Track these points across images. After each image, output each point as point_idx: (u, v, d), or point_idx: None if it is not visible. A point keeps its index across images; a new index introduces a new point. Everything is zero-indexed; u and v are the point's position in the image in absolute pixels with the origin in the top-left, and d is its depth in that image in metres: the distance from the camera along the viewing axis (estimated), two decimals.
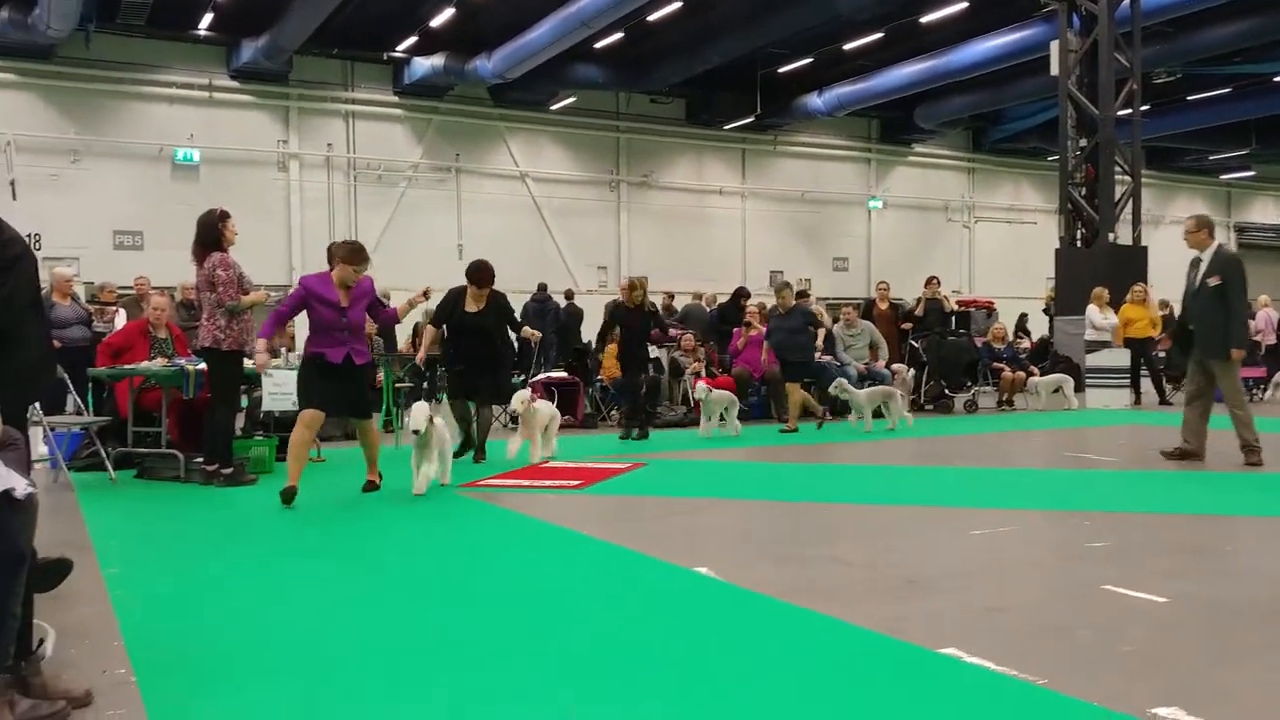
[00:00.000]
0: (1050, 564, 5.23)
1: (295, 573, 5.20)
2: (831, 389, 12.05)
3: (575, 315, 19.24)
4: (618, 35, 21.20)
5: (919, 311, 16.05)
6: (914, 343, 15.19)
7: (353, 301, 7.36)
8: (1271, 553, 5.48)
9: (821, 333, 12.28)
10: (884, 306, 16.15)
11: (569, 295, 20.05)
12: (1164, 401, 15.43)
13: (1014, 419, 13.74)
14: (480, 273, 9.33)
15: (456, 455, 8.84)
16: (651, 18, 20.35)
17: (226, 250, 8.16)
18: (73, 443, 9.13)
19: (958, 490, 7.72)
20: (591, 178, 25.89)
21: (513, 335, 9.82)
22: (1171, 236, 31.75)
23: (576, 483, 7.99)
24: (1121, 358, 15.31)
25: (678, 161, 26.95)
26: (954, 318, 17.13)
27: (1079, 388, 15.43)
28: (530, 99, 24.24)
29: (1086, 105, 18.31)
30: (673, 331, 15.86)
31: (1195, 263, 8.86)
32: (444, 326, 9.58)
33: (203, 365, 8.36)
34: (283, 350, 10.11)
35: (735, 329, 14.99)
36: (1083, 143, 18.60)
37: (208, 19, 20.54)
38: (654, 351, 14.60)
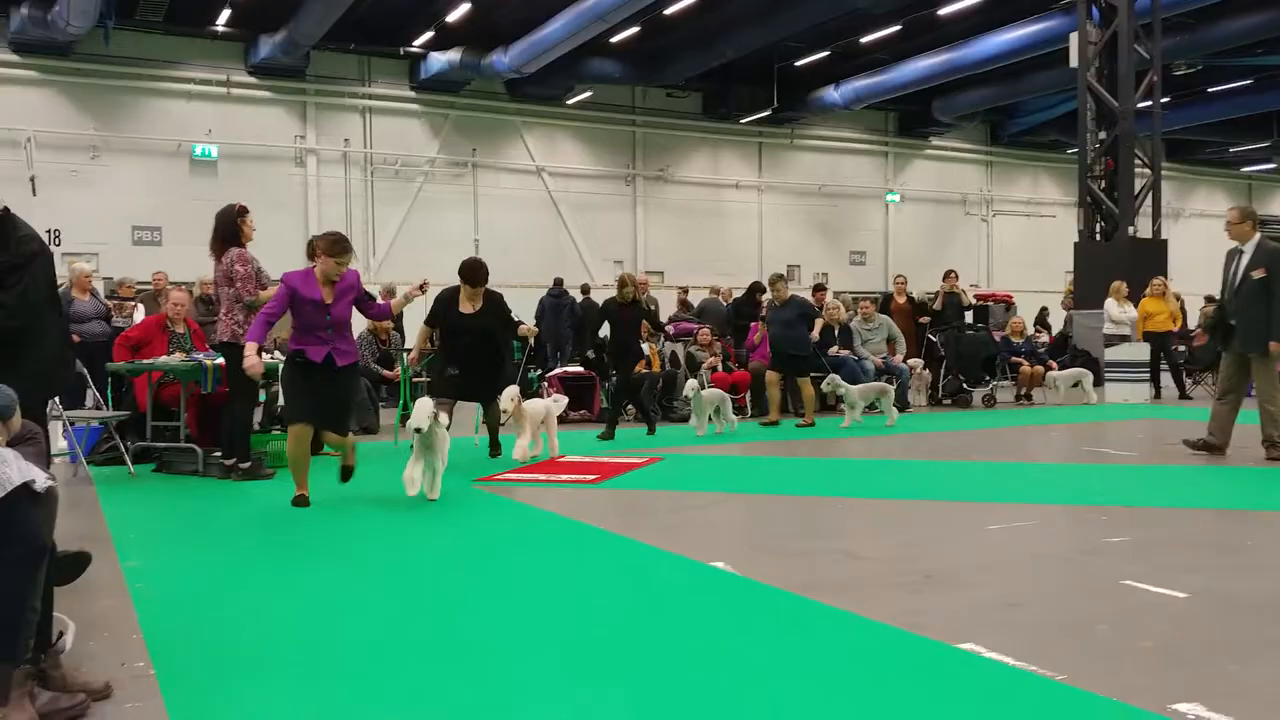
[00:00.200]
0: (1069, 559, 5.20)
1: (313, 566, 5.21)
2: (824, 385, 11.90)
3: (591, 310, 19.22)
4: (634, 29, 21.17)
5: (937, 305, 15.99)
6: (932, 337, 15.14)
7: (337, 297, 6.93)
8: None
9: (819, 324, 12.11)
10: (902, 300, 16.09)
11: (585, 290, 20.04)
12: (1184, 396, 15.34)
13: (1032, 413, 13.69)
14: (474, 271, 8.94)
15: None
16: (668, 11, 20.30)
17: (245, 245, 8.20)
18: (92, 437, 9.20)
19: (975, 485, 7.69)
20: (608, 172, 25.87)
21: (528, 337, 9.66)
22: (1192, 230, 31.72)
23: (593, 477, 7.99)
24: (1141, 352, 15.22)
25: (694, 155, 26.90)
26: (972, 312, 17.07)
27: (1098, 382, 15.35)
28: (546, 94, 24.22)
29: (1106, 97, 18.17)
30: (689, 326, 15.87)
31: (1233, 255, 8.71)
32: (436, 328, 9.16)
33: (221, 360, 8.40)
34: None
35: (752, 323, 14.97)
36: (1102, 135, 18.47)
37: (225, 15, 20.61)
38: (663, 349, 14.61)
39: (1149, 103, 18.58)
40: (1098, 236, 18.56)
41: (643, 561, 5.15)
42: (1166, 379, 15.58)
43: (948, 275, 16.44)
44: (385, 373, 12.29)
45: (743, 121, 26.73)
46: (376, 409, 12.14)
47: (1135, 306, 15.57)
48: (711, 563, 4.93)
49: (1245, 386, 8.71)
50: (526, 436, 8.80)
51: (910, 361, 14.63)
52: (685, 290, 20.02)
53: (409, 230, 23.28)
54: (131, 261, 18.79)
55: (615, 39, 21.58)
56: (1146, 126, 18.72)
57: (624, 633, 3.88)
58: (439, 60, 22.33)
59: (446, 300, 9.01)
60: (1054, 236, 28.59)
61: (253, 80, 22.11)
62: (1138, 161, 18.42)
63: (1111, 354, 15.49)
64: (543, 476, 8.10)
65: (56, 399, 7.65)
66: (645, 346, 12.51)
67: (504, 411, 8.63)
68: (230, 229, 8.18)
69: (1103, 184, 18.51)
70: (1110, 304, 15.65)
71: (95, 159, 20.75)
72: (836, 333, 14.02)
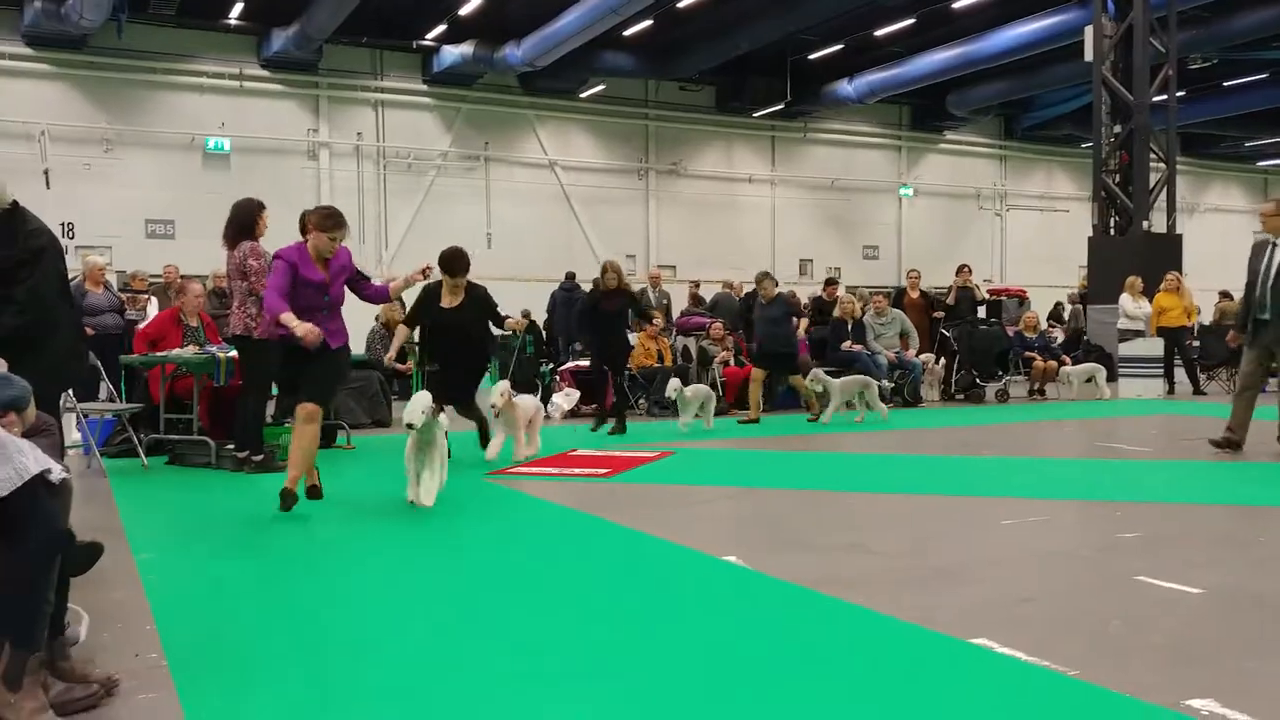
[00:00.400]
0: (1082, 554, 5.18)
1: (325, 558, 5.23)
2: (808, 381, 11.79)
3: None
4: (647, 22, 21.16)
5: (950, 300, 15.93)
6: (945, 332, 15.10)
7: (333, 277, 6.52)
8: None
9: (803, 323, 11.99)
10: (915, 295, 16.03)
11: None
12: (1198, 391, 15.26)
13: (1045, 408, 13.64)
14: (452, 261, 8.38)
15: None
16: (681, 4, 20.30)
17: (258, 240, 8.22)
18: (106, 429, 9.25)
19: (987, 480, 7.67)
20: (620, 166, 25.86)
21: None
22: (1207, 225, 31.57)
23: (605, 470, 7.99)
24: (1155, 347, 15.15)
25: (707, 149, 26.87)
26: (985, 306, 17.01)
27: (1111, 377, 15.29)
28: (559, 87, 24.22)
29: (1121, 91, 18.09)
30: (701, 320, 15.85)
31: (1261, 248, 8.57)
32: (418, 328, 8.72)
33: (234, 353, 8.42)
34: None
35: None
36: (1117, 129, 18.39)
37: (238, 8, 20.68)
38: (675, 343, 14.55)
39: (1164, 96, 18.48)
40: (1112, 231, 18.49)
41: (655, 556, 5.15)
42: (1180, 374, 15.50)
43: (961, 270, 16.39)
44: (398, 366, 12.30)
45: (756, 115, 26.68)
46: (389, 402, 12.16)
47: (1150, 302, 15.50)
48: (724, 557, 4.92)
49: (1263, 382, 8.62)
50: (520, 436, 8.37)
51: (923, 356, 14.59)
52: (697, 284, 20.02)
53: (421, 224, 23.31)
54: (144, 254, 18.88)
55: (628, 32, 21.56)
56: (1162, 120, 18.61)
57: (637, 627, 3.88)
58: (451, 54, 22.34)
59: (428, 296, 8.52)
60: (1068, 231, 28.50)
61: (265, 74, 22.18)
62: (1153, 156, 18.33)
63: (1125, 349, 15.42)
64: (554, 470, 8.09)
65: (70, 391, 7.69)
66: (634, 338, 12.14)
67: (493, 405, 8.13)
68: (248, 221, 8.20)
69: (1117, 178, 18.43)
70: (1125, 299, 15.57)
71: (109, 152, 20.84)
72: (850, 328, 13.99)
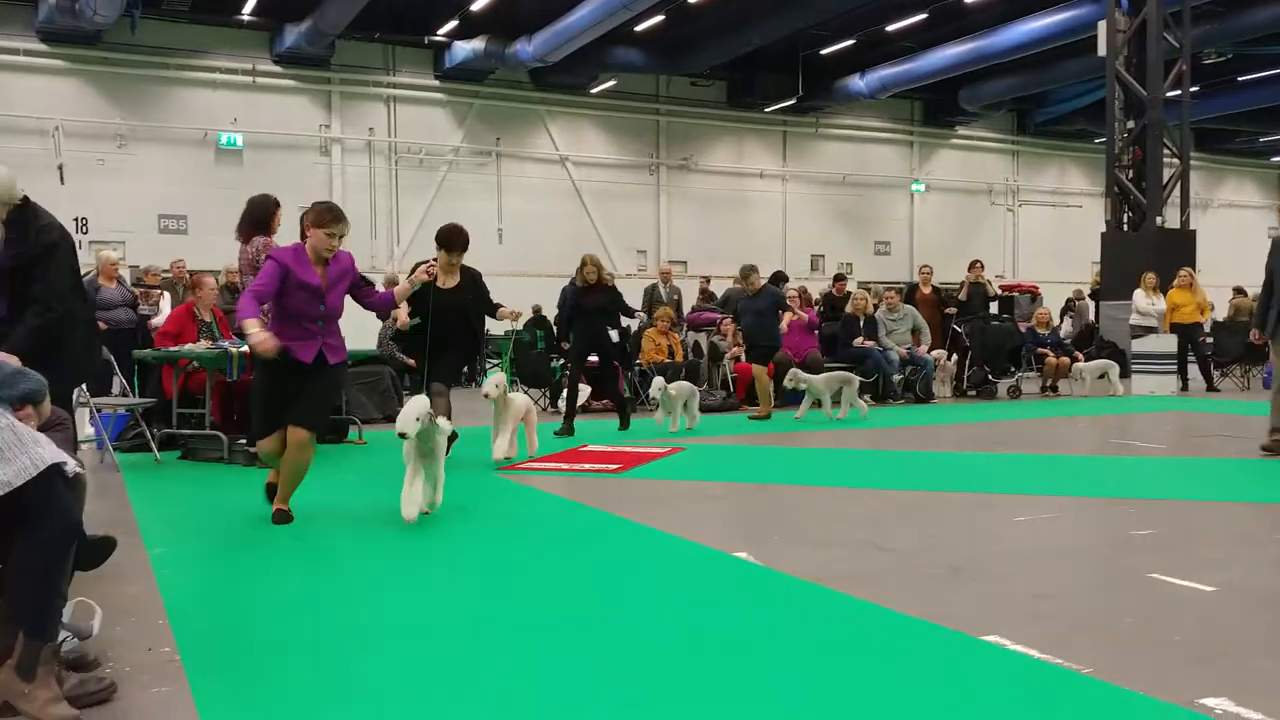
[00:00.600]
0: (1095, 551, 5.16)
1: (337, 553, 5.23)
2: (786, 381, 11.69)
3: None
4: (658, 18, 21.11)
5: (962, 296, 15.90)
6: (957, 328, 15.06)
7: (331, 283, 5.80)
8: None
9: (787, 317, 11.90)
10: (927, 291, 16.00)
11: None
12: (1211, 388, 15.20)
13: (1058, 405, 13.60)
14: (452, 236, 8.09)
15: None
16: (692, 0, 20.24)
17: (271, 236, 8.25)
18: (119, 424, 9.29)
19: (1000, 476, 7.64)
20: (631, 161, 25.84)
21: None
22: (1221, 220, 31.41)
23: (615, 467, 8.00)
24: (1168, 343, 15.09)
25: (718, 144, 26.82)
26: (997, 302, 16.96)
27: (1124, 374, 15.24)
28: (570, 82, 24.21)
29: (1134, 86, 18.00)
30: (711, 316, 15.84)
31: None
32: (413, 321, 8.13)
33: (246, 348, 8.43)
34: None
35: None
36: (1130, 124, 18.30)
37: (251, 4, 20.69)
38: (686, 338, 14.53)
39: (1178, 91, 18.39)
40: (1125, 227, 18.40)
41: (665, 551, 5.15)
42: (1194, 371, 15.44)
43: (973, 265, 16.34)
44: (409, 361, 12.30)
45: (767, 110, 26.63)
46: (400, 398, 12.17)
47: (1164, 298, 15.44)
48: (734, 553, 4.92)
49: None
50: (506, 432, 7.95)
51: (935, 352, 14.56)
52: (707, 280, 19.99)
53: (433, 219, 23.16)
54: (158, 250, 18.90)
55: (640, 27, 21.53)
56: (1175, 115, 18.52)
57: (647, 623, 3.88)
58: (463, 49, 22.35)
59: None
60: (1080, 227, 28.37)
61: (278, 69, 22.22)
62: (1166, 151, 18.23)
63: (1138, 345, 15.36)
64: (565, 466, 8.10)
65: (84, 385, 7.71)
66: (615, 335, 11.76)
67: (486, 396, 7.81)
68: (263, 216, 8.24)
69: (1130, 174, 18.34)
70: (1139, 295, 15.52)
71: (122, 148, 20.91)
72: (862, 323, 13.97)
